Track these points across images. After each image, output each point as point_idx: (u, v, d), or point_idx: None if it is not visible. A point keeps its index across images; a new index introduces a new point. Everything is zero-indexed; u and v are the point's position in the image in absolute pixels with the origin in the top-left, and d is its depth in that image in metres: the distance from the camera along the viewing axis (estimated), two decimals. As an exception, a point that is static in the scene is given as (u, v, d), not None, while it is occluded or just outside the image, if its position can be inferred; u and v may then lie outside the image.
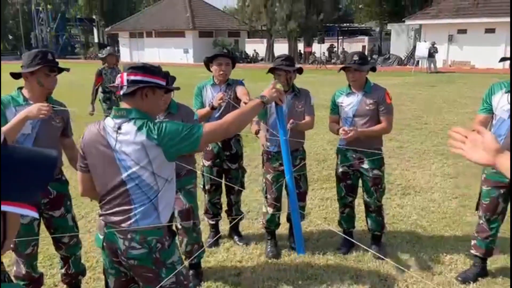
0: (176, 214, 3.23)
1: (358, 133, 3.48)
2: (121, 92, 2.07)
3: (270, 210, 3.76)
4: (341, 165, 3.76)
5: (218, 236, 4.13)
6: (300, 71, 3.70)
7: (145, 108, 2.09)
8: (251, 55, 33.59)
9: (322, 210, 4.82)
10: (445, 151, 7.10)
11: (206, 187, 4.06)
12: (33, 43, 42.80)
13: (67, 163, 3.11)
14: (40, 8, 44.46)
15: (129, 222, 2.08)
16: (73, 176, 3.11)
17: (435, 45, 21.63)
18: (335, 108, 3.75)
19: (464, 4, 24.15)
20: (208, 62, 3.91)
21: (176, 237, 2.29)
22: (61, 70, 2.87)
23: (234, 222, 4.04)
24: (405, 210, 4.82)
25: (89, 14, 45.07)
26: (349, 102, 3.63)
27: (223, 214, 4.27)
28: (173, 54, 32.62)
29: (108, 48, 7.82)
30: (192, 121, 3.12)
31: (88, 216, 4.74)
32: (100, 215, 2.18)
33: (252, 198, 5.09)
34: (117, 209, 2.10)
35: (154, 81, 2.09)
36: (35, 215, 0.75)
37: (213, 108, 3.69)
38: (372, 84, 3.66)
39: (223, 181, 4.08)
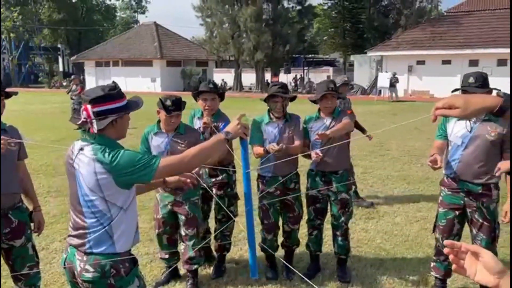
0: (181, 222, 3.58)
1: (330, 135, 3.54)
2: (95, 128, 2.02)
3: (269, 236, 3.83)
4: (311, 189, 3.85)
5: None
6: (293, 98, 3.87)
7: (113, 134, 2.11)
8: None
9: (289, 236, 4.85)
10: (407, 176, 7.33)
11: None
12: (-6, 72, 41.72)
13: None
14: (3, 37, 43.56)
15: (84, 248, 2.08)
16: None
17: (396, 75, 22.57)
18: (306, 133, 3.87)
19: (422, 37, 25.52)
20: (195, 96, 3.97)
21: (138, 266, 2.23)
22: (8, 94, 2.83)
23: (215, 242, 4.04)
24: (369, 234, 4.92)
25: (54, 43, 44.45)
26: (318, 127, 3.76)
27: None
28: (140, 83, 32.46)
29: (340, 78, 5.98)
30: (199, 142, 3.30)
31: (49, 248, 4.58)
32: (68, 236, 2.19)
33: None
34: (76, 232, 2.11)
35: (118, 106, 2.08)
36: None
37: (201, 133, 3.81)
38: (340, 109, 3.89)
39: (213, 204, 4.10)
